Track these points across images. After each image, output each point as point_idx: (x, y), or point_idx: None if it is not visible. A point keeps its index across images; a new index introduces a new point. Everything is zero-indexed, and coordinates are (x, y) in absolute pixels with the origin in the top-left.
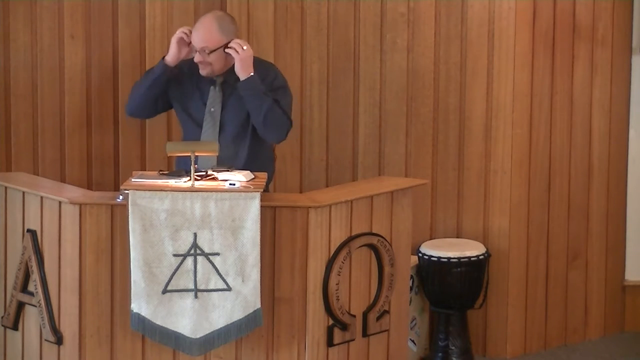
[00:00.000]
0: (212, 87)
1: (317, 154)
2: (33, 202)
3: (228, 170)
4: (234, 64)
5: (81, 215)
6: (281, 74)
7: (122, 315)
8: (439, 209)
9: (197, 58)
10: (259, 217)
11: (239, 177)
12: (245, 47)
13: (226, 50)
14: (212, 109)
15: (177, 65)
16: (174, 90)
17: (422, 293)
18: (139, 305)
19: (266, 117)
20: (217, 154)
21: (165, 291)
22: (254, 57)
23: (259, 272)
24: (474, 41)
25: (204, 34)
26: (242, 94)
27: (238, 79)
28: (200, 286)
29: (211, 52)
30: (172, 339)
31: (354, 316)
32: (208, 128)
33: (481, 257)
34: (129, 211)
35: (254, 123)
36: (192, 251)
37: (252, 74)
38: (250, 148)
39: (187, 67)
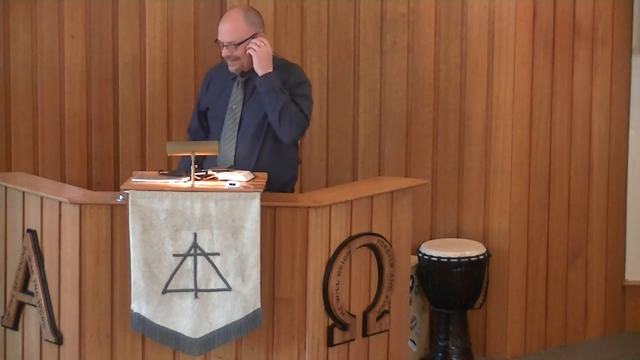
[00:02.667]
0: (234, 85)
1: (317, 154)
2: (33, 202)
3: (228, 170)
4: None
5: (81, 215)
6: (305, 76)
7: (122, 315)
8: (439, 209)
9: (224, 52)
10: (259, 217)
11: (239, 177)
12: (263, 44)
13: (247, 49)
14: (234, 107)
15: (206, 79)
16: (206, 101)
17: (422, 293)
18: (139, 305)
19: (280, 114)
20: (217, 154)
21: (165, 291)
22: (280, 58)
23: (259, 272)
24: (474, 41)
25: (231, 26)
26: (259, 90)
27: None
28: (200, 286)
29: (239, 44)
30: (172, 339)
31: (354, 316)
32: (228, 125)
33: (481, 257)
34: (129, 211)
35: (270, 120)
36: (192, 251)
37: (270, 71)
38: (271, 147)
39: (214, 74)
